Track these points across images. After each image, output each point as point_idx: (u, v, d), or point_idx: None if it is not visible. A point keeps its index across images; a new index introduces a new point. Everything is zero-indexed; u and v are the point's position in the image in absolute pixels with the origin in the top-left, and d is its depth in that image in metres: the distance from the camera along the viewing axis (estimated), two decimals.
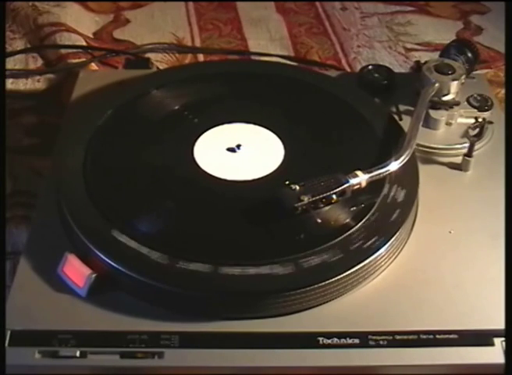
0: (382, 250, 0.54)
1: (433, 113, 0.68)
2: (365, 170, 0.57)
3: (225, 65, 0.81)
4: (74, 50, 0.94)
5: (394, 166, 0.59)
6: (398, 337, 0.51)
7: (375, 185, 0.58)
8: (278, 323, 0.52)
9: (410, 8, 1.10)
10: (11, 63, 0.93)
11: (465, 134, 0.67)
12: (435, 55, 0.76)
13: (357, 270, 0.53)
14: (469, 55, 0.73)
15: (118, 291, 0.53)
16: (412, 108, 0.68)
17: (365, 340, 0.50)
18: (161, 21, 1.06)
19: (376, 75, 0.74)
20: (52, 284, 0.54)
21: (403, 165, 0.59)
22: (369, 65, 0.76)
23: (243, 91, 0.71)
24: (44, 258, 0.55)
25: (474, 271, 0.56)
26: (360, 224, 0.56)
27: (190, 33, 1.03)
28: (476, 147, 0.65)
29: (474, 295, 0.54)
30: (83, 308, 0.52)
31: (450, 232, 0.59)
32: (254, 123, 0.67)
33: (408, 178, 0.60)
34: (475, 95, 0.71)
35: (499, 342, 0.50)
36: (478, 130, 0.65)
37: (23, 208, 0.70)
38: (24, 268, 0.55)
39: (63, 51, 0.94)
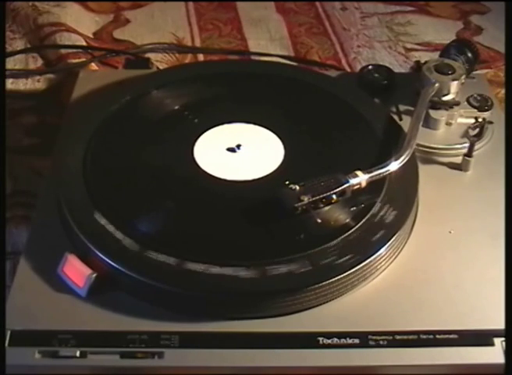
0: (382, 250, 0.54)
1: (433, 113, 0.68)
2: (365, 170, 0.57)
3: (225, 65, 0.81)
4: (74, 50, 0.94)
5: (394, 166, 0.59)
6: (398, 337, 0.51)
7: (375, 185, 0.58)
8: (278, 323, 0.52)
9: (410, 8, 1.10)
10: (11, 63, 0.93)
11: (465, 134, 0.67)
12: (435, 55, 0.76)
13: (357, 270, 0.53)
14: (469, 55, 0.73)
15: (118, 291, 0.53)
16: (412, 108, 0.68)
17: (365, 340, 0.50)
18: (161, 21, 1.06)
19: (376, 75, 0.74)
20: (52, 284, 0.54)
21: (403, 165, 0.59)
22: (369, 65, 0.76)
23: (243, 91, 0.71)
24: (44, 258, 0.55)
25: (474, 271, 0.56)
26: (359, 224, 0.56)
27: (190, 33, 1.03)
28: (476, 147, 0.65)
29: (474, 295, 0.54)
30: (83, 308, 0.52)
31: (450, 232, 0.59)
32: (254, 123, 0.67)
33: (408, 178, 0.60)
34: (475, 95, 0.71)
35: (499, 342, 0.50)
36: (478, 130, 0.65)
37: (23, 208, 0.70)
38: (24, 268, 0.55)
39: (63, 51, 0.94)
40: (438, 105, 0.69)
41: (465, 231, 0.59)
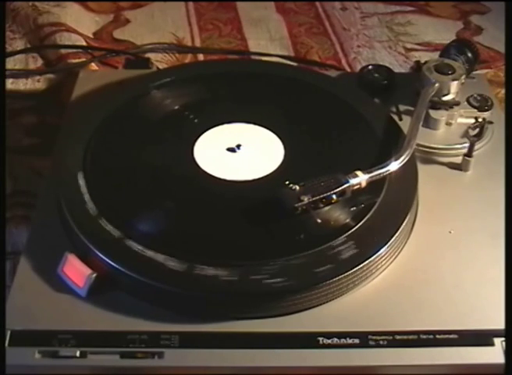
0: (382, 250, 0.54)
1: (433, 113, 0.68)
2: (365, 170, 0.57)
3: (225, 65, 0.81)
4: (74, 50, 0.94)
5: (394, 166, 0.59)
6: (398, 337, 0.51)
7: (375, 185, 0.58)
8: (278, 323, 0.52)
9: (410, 8, 1.10)
10: (11, 63, 0.93)
11: (465, 134, 0.67)
12: (435, 55, 0.76)
13: (357, 270, 0.53)
14: (469, 55, 0.73)
15: (118, 291, 0.53)
16: (412, 108, 0.68)
17: (365, 340, 0.50)
18: (161, 21, 1.06)
19: (376, 75, 0.74)
20: (52, 284, 0.54)
21: (403, 165, 0.59)
22: (369, 65, 0.76)
23: (243, 91, 0.71)
24: (44, 258, 0.55)
25: (474, 271, 0.56)
26: (359, 224, 0.56)
27: (190, 33, 1.03)
28: (476, 147, 0.65)
29: (474, 295, 0.54)
30: (83, 308, 0.52)
31: (450, 232, 0.59)
32: (254, 123, 0.67)
33: (408, 178, 0.60)
34: (475, 95, 0.71)
35: (499, 342, 0.50)
36: (478, 130, 0.65)
37: (23, 208, 0.70)
38: (24, 268, 0.55)
39: (63, 51, 0.94)
40: (438, 105, 0.69)
41: (465, 231, 0.59)
